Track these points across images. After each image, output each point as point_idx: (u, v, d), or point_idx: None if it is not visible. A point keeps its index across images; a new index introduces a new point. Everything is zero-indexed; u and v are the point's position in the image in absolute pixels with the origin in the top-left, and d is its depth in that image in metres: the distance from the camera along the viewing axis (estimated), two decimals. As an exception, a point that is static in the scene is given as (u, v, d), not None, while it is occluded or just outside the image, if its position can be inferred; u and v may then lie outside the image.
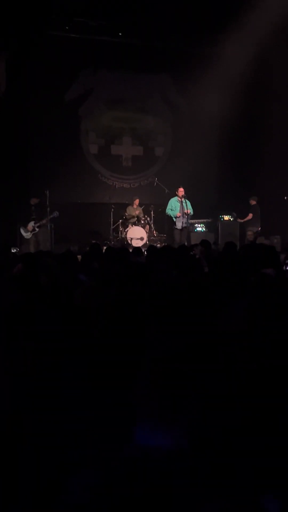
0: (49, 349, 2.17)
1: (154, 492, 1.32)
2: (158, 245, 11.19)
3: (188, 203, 11.00)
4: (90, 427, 1.73)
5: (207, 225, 12.48)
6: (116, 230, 12.25)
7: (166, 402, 1.44)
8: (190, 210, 10.96)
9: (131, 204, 12.47)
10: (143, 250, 7.81)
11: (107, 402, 1.77)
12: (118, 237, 12.10)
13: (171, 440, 1.40)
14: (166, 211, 11.22)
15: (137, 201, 12.42)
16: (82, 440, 1.70)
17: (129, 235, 11.82)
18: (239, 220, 12.15)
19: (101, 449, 1.58)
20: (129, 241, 11.68)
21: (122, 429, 1.55)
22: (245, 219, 12.05)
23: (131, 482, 1.32)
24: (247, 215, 12.02)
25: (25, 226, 10.87)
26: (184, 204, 10.93)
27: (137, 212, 12.29)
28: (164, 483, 1.33)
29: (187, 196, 11.03)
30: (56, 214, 10.85)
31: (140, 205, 12.50)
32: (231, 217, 12.29)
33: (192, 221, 11.76)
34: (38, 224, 10.88)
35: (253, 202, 12.13)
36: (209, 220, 12.42)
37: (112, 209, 12.20)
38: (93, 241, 9.13)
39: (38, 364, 2.11)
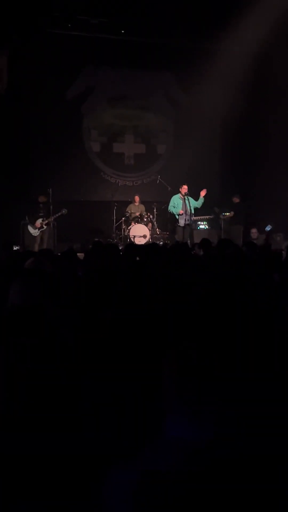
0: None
1: (188, 486, 1.32)
2: (161, 243, 11.18)
3: (192, 200, 10.98)
4: (118, 421, 1.72)
5: (209, 223, 12.45)
6: (119, 228, 12.24)
7: (194, 394, 1.43)
8: (197, 205, 10.97)
9: (132, 201, 12.46)
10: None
11: (136, 395, 1.76)
12: (121, 235, 12.09)
13: (201, 432, 1.39)
14: (169, 209, 11.20)
15: (137, 198, 12.41)
16: (111, 435, 1.70)
17: (132, 233, 11.80)
18: (221, 217, 12.11)
19: (131, 443, 1.57)
20: (132, 239, 11.66)
21: (152, 422, 1.54)
22: (227, 216, 12.03)
23: (163, 477, 1.32)
24: (230, 212, 12.02)
25: (33, 224, 10.88)
26: (186, 201, 10.91)
27: (139, 210, 12.28)
28: (197, 477, 1.32)
29: (190, 193, 11.00)
30: (64, 211, 10.86)
31: (142, 203, 12.49)
32: (215, 213, 12.22)
33: (195, 218, 11.73)
34: (46, 222, 10.89)
35: (236, 200, 12.14)
36: (211, 218, 12.38)
37: (115, 207, 12.19)
38: (96, 239, 9.13)
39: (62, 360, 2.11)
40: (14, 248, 10.00)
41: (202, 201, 11.08)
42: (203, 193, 11.03)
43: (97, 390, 1.83)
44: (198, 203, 11.04)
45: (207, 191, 11.16)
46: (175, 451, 1.37)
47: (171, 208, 11.11)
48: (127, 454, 1.44)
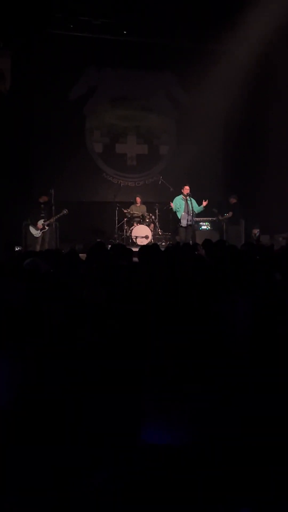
0: (55, 347, 2.17)
1: (158, 489, 1.32)
2: (163, 243, 11.18)
3: (194, 201, 10.97)
4: (96, 427, 1.73)
5: (212, 223, 12.45)
6: (121, 228, 12.24)
7: (171, 402, 1.44)
8: (196, 210, 10.94)
9: (134, 202, 12.46)
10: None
11: (114, 402, 1.77)
12: (123, 235, 12.09)
13: (176, 439, 1.40)
14: (174, 207, 11.11)
15: (138, 199, 12.42)
16: (88, 440, 1.70)
17: (134, 234, 11.81)
18: (220, 217, 12.11)
19: (107, 449, 1.57)
20: (134, 240, 11.66)
21: (129, 428, 1.55)
22: (225, 217, 12.04)
23: (136, 480, 1.32)
24: (228, 212, 12.03)
25: (34, 225, 10.88)
26: (189, 202, 10.90)
27: (140, 211, 12.28)
28: (168, 481, 1.33)
29: (192, 194, 11.00)
30: (65, 211, 10.86)
31: (144, 203, 12.49)
32: (214, 214, 12.22)
33: (197, 219, 11.74)
34: (47, 222, 10.89)
35: (233, 201, 12.15)
36: (214, 219, 12.39)
37: (117, 208, 12.19)
38: (98, 240, 9.12)
39: (43, 364, 2.10)
40: (16, 249, 10.01)
41: (202, 209, 11.08)
42: (205, 203, 11.02)
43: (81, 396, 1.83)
44: (198, 209, 11.03)
45: (209, 191, 11.16)
46: (150, 456, 1.38)
47: (175, 207, 11.05)
48: (99, 460, 1.44)
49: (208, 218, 12.28)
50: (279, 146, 12.06)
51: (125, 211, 12.19)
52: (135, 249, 8.23)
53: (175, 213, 11.11)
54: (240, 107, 12.25)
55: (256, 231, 11.96)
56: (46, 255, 5.48)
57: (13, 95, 11.55)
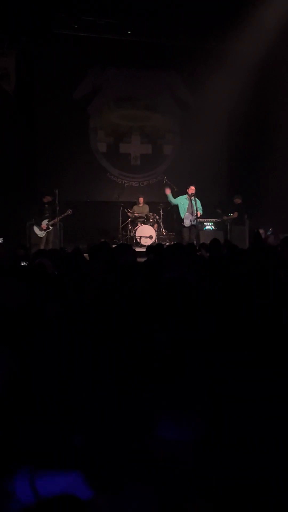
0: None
1: (174, 483, 1.32)
2: (167, 243, 11.16)
3: (198, 202, 10.93)
4: (111, 422, 1.72)
5: (216, 223, 12.42)
6: (125, 228, 12.24)
7: (183, 397, 1.44)
8: (200, 212, 10.90)
9: (137, 203, 12.46)
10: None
11: (128, 397, 1.76)
12: (127, 235, 12.09)
13: (191, 434, 1.40)
14: (169, 201, 11.03)
15: (141, 199, 12.41)
16: (104, 435, 1.70)
17: (138, 234, 11.81)
18: (224, 218, 12.07)
19: (123, 444, 1.57)
20: (138, 240, 11.66)
21: (144, 423, 1.55)
22: (230, 217, 12.01)
23: (153, 475, 1.33)
24: (233, 213, 12.00)
25: (39, 225, 10.89)
26: (193, 202, 10.87)
27: (142, 211, 12.27)
28: (183, 474, 1.34)
29: (196, 194, 10.97)
30: (69, 211, 10.87)
31: (148, 203, 12.48)
32: (218, 214, 12.18)
33: (201, 219, 11.71)
34: (52, 223, 10.90)
35: (238, 201, 12.10)
36: (218, 219, 12.35)
37: (121, 208, 12.19)
38: (102, 240, 9.13)
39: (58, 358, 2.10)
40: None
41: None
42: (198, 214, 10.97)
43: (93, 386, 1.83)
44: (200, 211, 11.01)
45: (213, 191, 11.12)
46: (164, 451, 1.38)
47: (170, 199, 10.98)
48: (115, 455, 1.44)
49: (212, 220, 12.24)
50: (284, 145, 12.02)
51: (129, 212, 12.19)
52: (139, 249, 8.25)
53: (176, 207, 11.05)
54: (244, 107, 12.22)
55: (262, 232, 11.92)
56: (51, 254, 5.47)
57: (18, 95, 11.57)
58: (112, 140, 13.52)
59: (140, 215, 12.19)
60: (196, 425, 1.42)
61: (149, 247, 7.72)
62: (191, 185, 10.96)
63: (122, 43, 12.54)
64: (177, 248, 6.16)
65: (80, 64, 12.66)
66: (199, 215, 10.87)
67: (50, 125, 12.37)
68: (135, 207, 12.41)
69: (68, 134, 12.48)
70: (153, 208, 12.38)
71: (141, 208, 12.39)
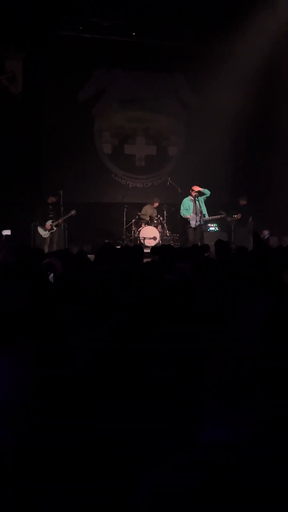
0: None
1: (224, 487, 1.33)
2: (171, 244, 11.15)
3: (202, 202, 10.95)
4: (158, 425, 1.74)
5: (220, 225, 12.42)
6: (129, 229, 12.25)
7: (231, 398, 1.45)
8: (205, 215, 10.93)
9: (151, 203, 12.43)
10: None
11: (175, 399, 1.78)
12: (131, 236, 12.10)
13: (238, 436, 1.40)
14: (181, 213, 11.10)
15: (156, 204, 12.38)
16: (151, 437, 1.71)
17: (142, 235, 11.82)
18: (228, 219, 12.06)
19: (169, 446, 1.59)
20: (142, 241, 11.67)
21: (191, 425, 1.56)
22: (234, 218, 11.99)
23: (200, 479, 1.33)
24: (237, 214, 11.98)
25: (43, 225, 10.92)
26: (197, 203, 10.88)
27: (152, 212, 12.27)
28: (234, 479, 1.34)
29: (199, 195, 10.98)
30: (73, 212, 10.90)
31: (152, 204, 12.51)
32: (222, 215, 12.17)
33: (207, 219, 11.69)
34: (56, 223, 10.93)
35: (243, 202, 12.08)
36: (222, 216, 12.29)
37: (125, 209, 12.20)
38: (106, 241, 9.14)
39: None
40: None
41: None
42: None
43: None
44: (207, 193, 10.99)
45: (217, 193, 11.11)
46: (211, 454, 1.38)
47: (183, 211, 11.05)
48: (161, 459, 1.45)
49: (217, 217, 12.16)
50: (288, 147, 12.01)
51: (140, 214, 12.21)
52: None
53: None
54: (249, 108, 12.21)
55: (266, 233, 11.92)
56: (58, 255, 5.49)
57: (24, 97, 11.60)
58: (117, 142, 13.54)
59: (148, 215, 12.19)
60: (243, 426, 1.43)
61: (153, 248, 7.71)
62: (194, 186, 10.98)
63: (127, 45, 12.56)
64: (186, 250, 6.17)
65: (85, 65, 12.67)
66: (206, 218, 10.93)
67: (55, 126, 12.39)
68: (147, 207, 12.39)
69: (73, 136, 12.50)
70: (157, 209, 12.40)
71: (153, 210, 12.36)
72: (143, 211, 12.38)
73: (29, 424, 1.93)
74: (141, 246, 9.08)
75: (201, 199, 10.95)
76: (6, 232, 10.38)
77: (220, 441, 1.39)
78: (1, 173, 11.36)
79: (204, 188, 10.99)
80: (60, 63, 12.15)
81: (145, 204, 12.63)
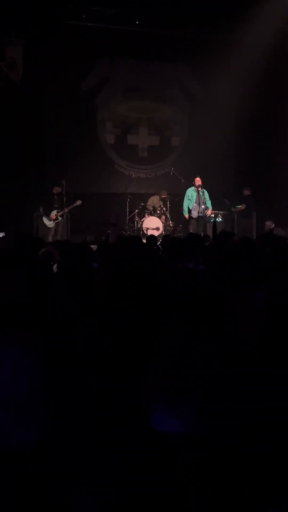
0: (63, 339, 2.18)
1: (166, 477, 1.33)
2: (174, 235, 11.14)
3: (206, 193, 10.94)
4: (104, 414, 1.73)
5: (223, 215, 12.38)
6: (132, 220, 12.24)
7: (178, 388, 1.44)
8: (209, 208, 10.96)
9: (158, 195, 12.39)
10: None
11: (121, 389, 1.77)
12: (134, 227, 12.09)
13: (184, 426, 1.40)
14: (184, 204, 11.11)
15: (164, 196, 12.35)
16: (95, 427, 1.70)
17: (145, 225, 11.81)
18: (233, 209, 12.04)
19: (115, 436, 1.58)
20: (145, 231, 11.66)
21: (137, 415, 1.55)
22: (238, 209, 11.96)
23: (143, 468, 1.33)
24: (241, 205, 11.96)
25: (47, 215, 10.92)
26: (201, 193, 10.88)
27: (158, 203, 12.24)
28: (175, 468, 1.33)
29: (203, 186, 10.97)
30: (79, 202, 10.89)
31: (154, 195, 12.49)
32: (226, 205, 12.15)
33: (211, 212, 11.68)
34: (61, 213, 10.93)
35: (247, 193, 12.05)
36: (226, 212, 12.31)
37: (128, 199, 12.18)
38: (109, 231, 9.12)
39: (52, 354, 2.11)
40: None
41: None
42: (208, 212, 11.03)
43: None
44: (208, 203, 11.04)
45: (221, 183, 11.09)
46: (156, 443, 1.37)
47: (186, 201, 11.06)
48: (105, 447, 1.44)
49: (219, 212, 12.18)
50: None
51: (146, 204, 12.20)
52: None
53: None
54: (253, 98, 12.14)
55: (269, 224, 11.88)
56: (57, 245, 5.48)
57: (25, 85, 11.54)
58: (120, 132, 13.48)
59: (148, 206, 12.18)
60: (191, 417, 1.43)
61: (149, 237, 7.74)
62: (196, 177, 10.97)
63: (131, 34, 12.47)
64: (190, 239, 6.15)
65: (87, 55, 12.59)
66: (209, 213, 10.92)
67: (57, 116, 12.34)
68: (154, 198, 12.36)
69: (75, 125, 12.45)
70: (161, 200, 12.37)
71: (158, 201, 12.32)
72: (149, 202, 12.34)
73: (42, 419, 1.92)
74: (140, 237, 9.05)
75: (206, 192, 10.94)
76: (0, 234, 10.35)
77: (168, 429, 1.39)
78: (2, 162, 11.32)
79: (208, 179, 11.00)
80: (63, 52, 12.08)
81: (148, 194, 12.60)
